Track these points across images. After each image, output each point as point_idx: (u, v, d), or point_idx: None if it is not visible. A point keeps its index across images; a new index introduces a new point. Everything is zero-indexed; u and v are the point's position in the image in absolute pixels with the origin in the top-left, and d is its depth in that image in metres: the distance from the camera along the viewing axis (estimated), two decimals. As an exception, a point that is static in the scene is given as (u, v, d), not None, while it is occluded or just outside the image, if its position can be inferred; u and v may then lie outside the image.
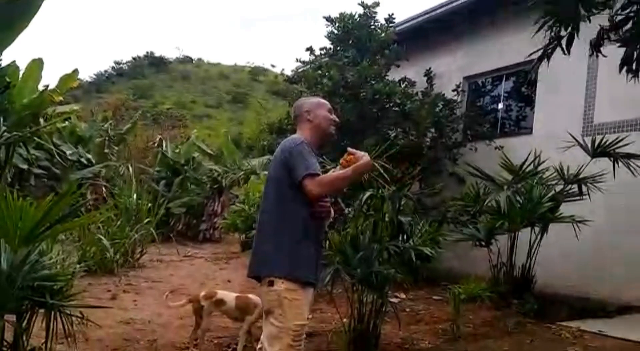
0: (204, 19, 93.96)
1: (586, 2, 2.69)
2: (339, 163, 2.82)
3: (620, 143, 5.65)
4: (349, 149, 2.82)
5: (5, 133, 7.74)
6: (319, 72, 9.03)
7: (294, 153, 2.68)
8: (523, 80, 8.32)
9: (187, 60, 58.89)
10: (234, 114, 43.69)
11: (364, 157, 2.71)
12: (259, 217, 2.88)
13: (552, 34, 2.80)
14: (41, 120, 9.56)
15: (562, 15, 2.74)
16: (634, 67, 2.49)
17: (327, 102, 3.03)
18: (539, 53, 3.11)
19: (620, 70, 2.48)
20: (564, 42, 2.73)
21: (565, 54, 2.77)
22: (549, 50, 2.87)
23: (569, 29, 2.70)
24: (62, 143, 11.06)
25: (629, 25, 2.48)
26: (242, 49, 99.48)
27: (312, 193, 2.61)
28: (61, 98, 9.63)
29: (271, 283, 2.64)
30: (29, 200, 3.00)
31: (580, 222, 5.77)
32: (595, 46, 2.63)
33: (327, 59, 9.33)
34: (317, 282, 2.83)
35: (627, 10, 2.50)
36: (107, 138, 12.62)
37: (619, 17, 2.60)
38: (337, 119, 2.99)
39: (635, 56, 2.41)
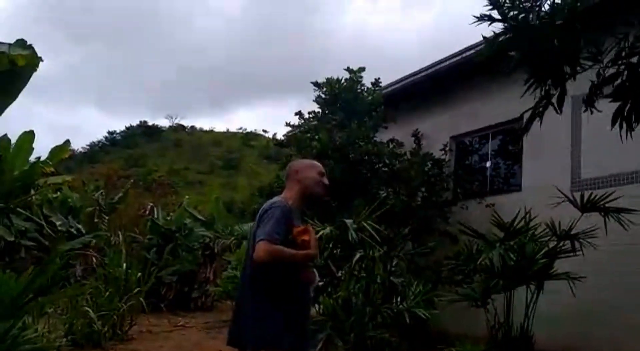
0: (197, 87, 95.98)
1: (571, 61, 2.75)
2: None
3: (610, 198, 5.67)
4: (309, 228, 2.79)
5: (-7, 205, 7.69)
6: (308, 135, 9.15)
7: (267, 215, 2.70)
8: (509, 139, 8.44)
9: (179, 128, 59.76)
10: (226, 180, 43.89)
11: (312, 247, 2.69)
12: (240, 280, 2.86)
13: (542, 92, 2.84)
14: (32, 191, 9.52)
15: (548, 75, 2.79)
16: (625, 121, 2.52)
17: (319, 165, 3.03)
18: (531, 111, 3.15)
19: (612, 125, 2.51)
20: (554, 100, 2.77)
21: (557, 112, 2.80)
22: (540, 109, 2.91)
23: (559, 87, 2.74)
24: (52, 214, 10.95)
25: (620, 80, 2.53)
26: (235, 116, 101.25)
27: (257, 255, 2.58)
28: (52, 169, 9.64)
29: None
30: (9, 272, 2.93)
31: (575, 278, 5.70)
32: (588, 101, 2.67)
33: (315, 122, 9.49)
34: (304, 349, 2.75)
35: (618, 65, 2.55)
36: (98, 207, 12.54)
37: (611, 71, 2.64)
38: (326, 182, 2.98)
39: (627, 109, 2.45)
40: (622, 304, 6.10)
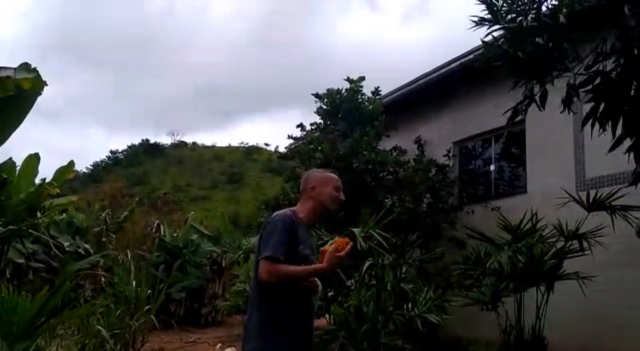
0: (198, 104, 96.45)
1: (552, 64, 2.82)
2: (333, 241, 2.73)
3: (615, 196, 5.67)
4: (349, 243, 2.65)
5: (0, 228, 7.73)
6: (311, 146, 9.20)
7: (267, 230, 2.68)
8: (509, 140, 8.47)
9: (181, 145, 59.93)
10: (231, 194, 43.94)
11: (326, 260, 2.59)
12: (250, 290, 2.86)
13: (526, 92, 2.92)
14: (38, 214, 9.58)
15: (530, 76, 2.86)
16: (598, 122, 2.58)
17: (335, 179, 2.93)
18: (512, 110, 3.21)
19: (583, 125, 2.58)
20: (537, 98, 2.85)
21: (540, 110, 2.87)
22: (522, 107, 2.98)
23: (541, 87, 2.82)
24: (59, 235, 11.00)
25: (595, 83, 2.60)
26: (236, 130, 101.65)
27: (261, 277, 2.58)
28: (58, 190, 9.70)
29: None
30: (24, 294, 2.96)
31: (585, 277, 5.70)
32: (566, 103, 2.74)
33: (318, 133, 9.54)
34: None
35: (594, 68, 2.62)
36: (104, 227, 12.59)
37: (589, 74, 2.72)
38: (343, 198, 2.90)
39: (600, 110, 2.51)
40: (634, 302, 6.08)
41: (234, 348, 4.19)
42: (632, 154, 2.95)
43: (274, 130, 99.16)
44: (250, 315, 2.73)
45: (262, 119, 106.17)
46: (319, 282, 2.79)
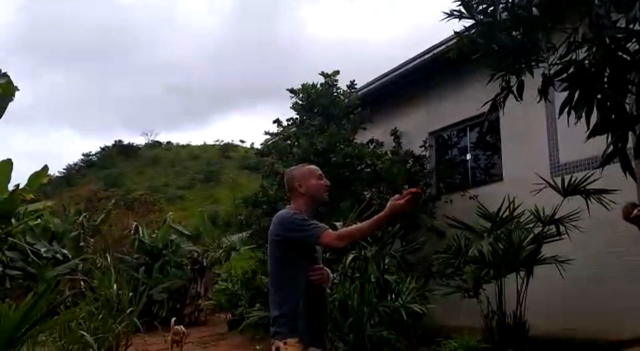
0: (171, 103, 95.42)
1: (526, 55, 2.89)
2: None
3: (589, 180, 5.77)
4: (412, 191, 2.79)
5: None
6: (288, 142, 9.19)
7: (293, 225, 2.78)
8: (486, 131, 8.57)
9: (156, 144, 59.28)
10: (208, 192, 43.66)
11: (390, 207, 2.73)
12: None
13: (503, 83, 2.97)
14: (13, 220, 9.41)
15: (506, 68, 2.92)
16: (574, 110, 2.65)
17: (315, 168, 3.06)
18: (491, 102, 3.27)
19: (559, 114, 2.65)
20: (515, 90, 2.91)
21: (518, 100, 2.93)
22: (501, 99, 3.04)
23: (517, 78, 2.88)
24: (35, 241, 10.83)
25: (569, 72, 2.66)
26: (211, 128, 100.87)
27: (333, 245, 2.73)
28: (32, 196, 9.54)
29: (277, 349, 2.75)
30: (8, 302, 2.92)
31: (563, 261, 5.81)
32: (543, 92, 2.81)
33: (294, 128, 9.53)
34: (323, 344, 2.87)
35: (568, 58, 2.69)
36: (81, 231, 12.43)
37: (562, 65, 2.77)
38: (328, 183, 3.04)
39: (575, 99, 2.58)
40: (612, 283, 6.22)
41: None
42: (603, 137, 3.03)
43: (249, 127, 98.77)
44: (273, 307, 2.86)
45: (237, 116, 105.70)
46: (330, 272, 2.95)
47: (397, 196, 2.72)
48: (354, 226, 2.82)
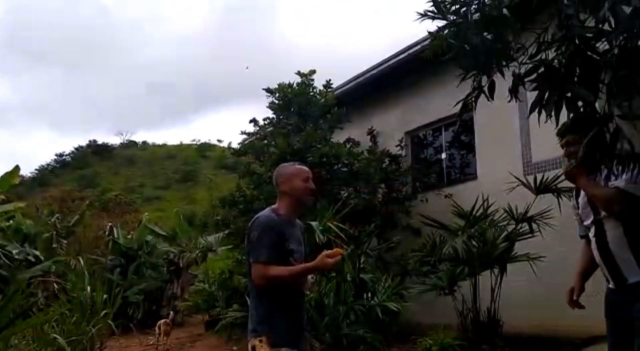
0: (147, 102, 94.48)
1: (498, 56, 2.92)
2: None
3: (561, 178, 5.87)
4: (341, 254, 2.83)
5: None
6: (265, 141, 9.16)
7: (253, 231, 2.82)
8: (460, 130, 8.66)
9: (131, 144, 58.62)
10: (185, 192, 43.33)
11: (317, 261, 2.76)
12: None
13: (475, 84, 3.00)
14: (-16, 222, 9.23)
15: (477, 68, 2.95)
16: (544, 109, 2.69)
17: (304, 170, 3.02)
18: (462, 102, 3.30)
19: (530, 113, 2.69)
20: (486, 89, 2.95)
21: (489, 100, 2.96)
22: (472, 99, 3.07)
23: (488, 78, 2.92)
24: (7, 243, 10.64)
25: (538, 72, 2.70)
26: (187, 128, 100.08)
27: (257, 282, 2.79)
28: (3, 197, 9.36)
29: (253, 348, 2.77)
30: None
31: (535, 258, 5.90)
32: (513, 92, 2.85)
33: (271, 128, 9.50)
34: (300, 344, 2.88)
35: (538, 58, 2.73)
36: (54, 232, 12.23)
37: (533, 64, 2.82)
38: (313, 187, 3.00)
39: (545, 99, 2.62)
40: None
41: None
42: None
43: (227, 126, 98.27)
44: (252, 307, 2.90)
45: (214, 116, 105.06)
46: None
47: (329, 252, 2.74)
48: (286, 269, 2.78)
